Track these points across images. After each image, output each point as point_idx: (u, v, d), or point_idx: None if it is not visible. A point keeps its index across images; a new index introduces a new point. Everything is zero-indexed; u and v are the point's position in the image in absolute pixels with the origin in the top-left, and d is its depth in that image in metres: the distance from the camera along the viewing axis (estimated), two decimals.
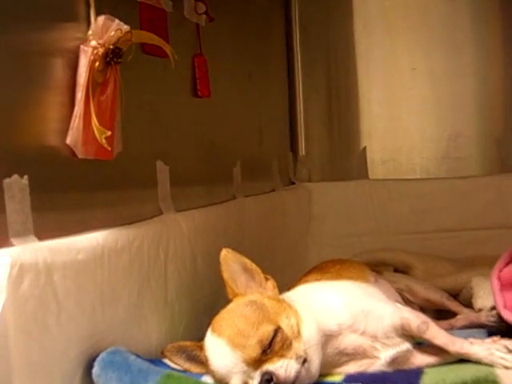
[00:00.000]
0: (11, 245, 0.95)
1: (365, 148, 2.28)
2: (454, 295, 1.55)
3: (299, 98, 2.36)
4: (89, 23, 1.12)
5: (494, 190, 2.06)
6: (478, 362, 1.13)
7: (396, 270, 1.70)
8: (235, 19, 1.89)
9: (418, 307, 1.44)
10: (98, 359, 1.04)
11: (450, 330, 1.31)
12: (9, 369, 0.90)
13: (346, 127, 2.36)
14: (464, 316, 1.43)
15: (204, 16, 1.63)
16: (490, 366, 1.12)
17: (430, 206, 2.11)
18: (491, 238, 1.96)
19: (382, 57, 2.27)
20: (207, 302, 1.38)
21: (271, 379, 0.98)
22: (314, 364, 1.06)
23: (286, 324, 1.05)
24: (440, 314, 1.48)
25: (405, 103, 2.24)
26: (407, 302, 1.44)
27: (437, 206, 2.10)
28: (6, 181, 0.95)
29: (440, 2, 2.20)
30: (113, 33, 1.09)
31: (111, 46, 1.10)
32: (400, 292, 1.46)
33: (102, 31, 1.09)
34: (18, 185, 0.97)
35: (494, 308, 1.31)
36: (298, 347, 1.04)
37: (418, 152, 2.23)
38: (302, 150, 2.37)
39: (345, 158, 2.34)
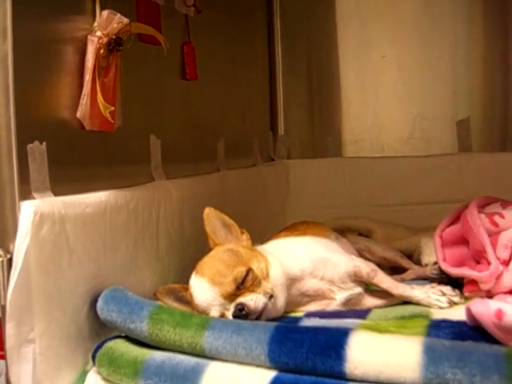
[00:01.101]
0: (33, 198, 1.10)
1: (339, 128, 2.39)
2: (409, 256, 1.70)
3: (279, 82, 2.45)
4: (94, 17, 1.28)
5: (454, 168, 2.16)
6: (417, 304, 1.35)
7: (360, 234, 1.83)
8: (220, 11, 1.97)
9: (376, 264, 1.64)
10: (102, 295, 1.20)
11: (401, 282, 1.50)
12: (30, 297, 1.07)
13: (321, 110, 2.45)
14: (413, 271, 1.59)
15: (192, 8, 1.74)
16: (428, 306, 1.34)
17: (395, 182, 2.20)
18: (449, 211, 1.98)
19: (355, 46, 2.35)
20: (192, 258, 1.43)
21: (243, 309, 1.19)
22: (280, 300, 1.27)
23: (256, 267, 1.26)
24: (395, 271, 1.62)
25: (375, 88, 2.32)
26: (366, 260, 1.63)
27: (402, 182, 2.19)
28: (29, 146, 1.11)
29: None
30: (115, 25, 1.25)
31: (113, 36, 1.26)
32: (360, 251, 1.62)
33: (105, 23, 1.25)
34: (38, 149, 1.13)
35: (436, 263, 1.49)
36: (266, 285, 1.25)
37: (386, 133, 2.32)
38: (281, 130, 2.47)
39: (320, 138, 2.43)
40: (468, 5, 2.24)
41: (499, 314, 1.03)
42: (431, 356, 0.94)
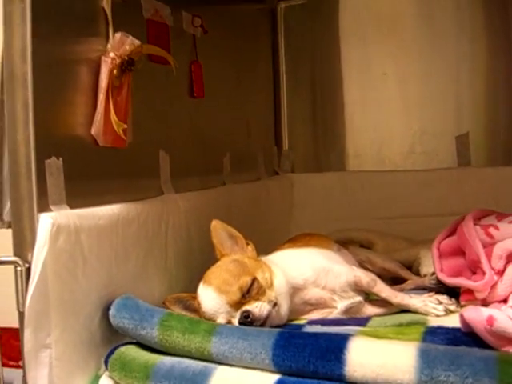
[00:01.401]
0: (50, 210, 1.16)
1: (341, 143, 2.42)
2: (408, 267, 1.75)
3: (283, 99, 2.49)
4: (108, 39, 1.34)
5: (452, 182, 2.17)
6: (415, 312, 1.40)
7: (361, 246, 1.89)
8: (226, 31, 2.03)
9: (376, 275, 1.69)
10: (114, 303, 1.25)
11: (400, 292, 1.54)
12: (47, 304, 1.12)
13: (324, 125, 2.48)
14: (412, 281, 1.64)
15: (200, 29, 1.80)
16: (425, 314, 1.39)
17: (396, 195, 2.22)
18: (448, 223, 2.02)
19: (357, 63, 2.39)
20: (199, 268, 1.46)
21: (248, 316, 1.25)
22: (283, 308, 1.33)
23: (261, 276, 1.32)
24: (395, 281, 1.67)
25: (376, 104, 2.35)
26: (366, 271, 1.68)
27: (402, 195, 2.22)
28: (47, 161, 1.17)
29: (408, 16, 2.32)
30: (127, 47, 1.31)
31: (126, 57, 1.32)
32: (361, 262, 1.67)
33: (118, 45, 1.32)
34: (55, 164, 1.19)
35: (434, 273, 1.54)
36: (270, 294, 1.31)
37: (387, 147, 2.36)
38: (286, 145, 2.50)
39: (323, 152, 2.47)
40: (470, 22, 2.27)
41: (491, 320, 1.08)
42: (426, 359, 1.00)
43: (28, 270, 1.12)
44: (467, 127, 2.27)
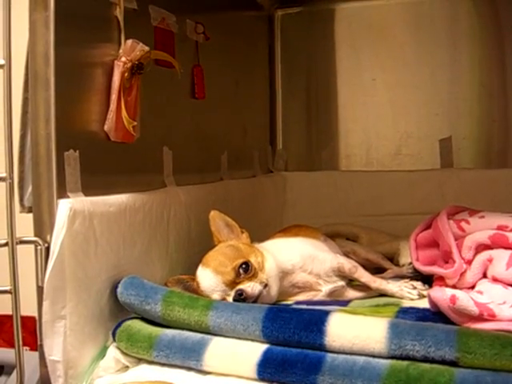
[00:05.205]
0: (68, 197, 1.27)
1: (333, 144, 2.53)
2: (390, 258, 1.88)
3: (279, 101, 2.58)
4: (120, 45, 1.43)
5: (436, 182, 2.29)
6: (392, 296, 1.54)
7: (347, 239, 1.99)
8: (226, 37, 2.11)
9: (360, 265, 1.80)
10: (121, 282, 1.36)
11: None
12: (63, 280, 1.24)
13: (317, 127, 2.58)
14: (392, 270, 1.77)
15: (202, 35, 1.89)
16: (401, 298, 1.53)
17: (383, 194, 2.33)
18: None
19: (348, 69, 2.50)
20: (197, 255, 1.56)
21: (242, 294, 1.39)
22: (273, 290, 1.47)
23: (254, 260, 1.45)
24: (377, 271, 1.79)
25: (366, 108, 2.45)
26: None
27: (389, 194, 2.32)
28: (66, 153, 1.28)
29: (396, 26, 2.44)
30: (138, 52, 1.42)
31: (136, 62, 1.42)
32: (347, 253, 1.78)
33: (129, 51, 1.42)
34: (72, 156, 1.29)
35: (411, 263, 1.68)
36: (261, 276, 1.44)
37: (375, 149, 2.47)
38: (280, 144, 2.60)
39: (316, 152, 2.56)
40: (451, 33, 2.39)
41: (453, 298, 1.22)
42: (395, 331, 1.14)
43: (47, 250, 1.24)
44: (450, 131, 2.38)
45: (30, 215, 1.30)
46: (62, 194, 1.27)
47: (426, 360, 1.10)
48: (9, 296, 1.23)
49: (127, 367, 1.31)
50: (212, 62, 1.98)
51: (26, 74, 1.27)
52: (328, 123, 2.57)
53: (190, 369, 1.25)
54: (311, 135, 2.62)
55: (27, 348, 2.20)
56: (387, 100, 2.47)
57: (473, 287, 1.46)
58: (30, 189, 1.30)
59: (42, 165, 1.26)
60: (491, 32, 2.36)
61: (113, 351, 1.34)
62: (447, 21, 2.38)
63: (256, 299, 1.40)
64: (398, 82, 2.45)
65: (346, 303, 1.51)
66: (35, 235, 1.26)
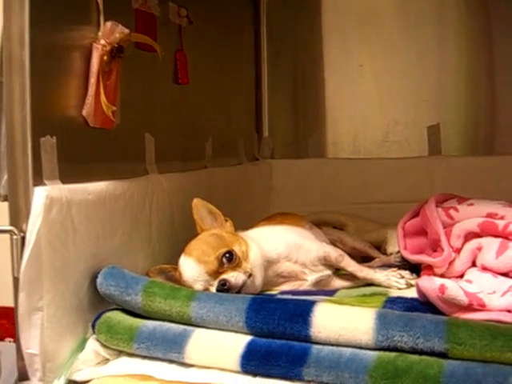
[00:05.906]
0: (44, 184, 1.22)
1: (319, 131, 2.52)
2: (377, 247, 1.86)
3: (264, 87, 2.56)
4: (99, 27, 1.39)
5: (424, 170, 2.29)
6: (379, 285, 1.52)
7: (334, 227, 1.98)
8: (211, 21, 2.08)
9: (347, 254, 1.78)
10: (101, 272, 1.33)
11: None
12: (40, 270, 1.19)
13: (304, 114, 2.57)
14: (379, 259, 1.75)
15: (185, 19, 1.86)
16: (388, 287, 1.51)
17: (370, 181, 2.32)
18: None
19: (335, 55, 2.48)
20: (180, 245, 1.53)
21: (225, 284, 1.36)
22: (258, 279, 1.44)
23: (237, 249, 1.42)
24: (365, 260, 1.78)
25: (353, 95, 2.44)
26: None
27: (376, 182, 2.31)
28: (42, 139, 1.23)
29: (385, 11, 2.42)
30: (117, 35, 1.38)
31: (115, 45, 1.38)
32: (333, 242, 1.76)
33: (109, 33, 1.38)
34: (49, 142, 1.25)
35: (399, 251, 1.65)
36: (246, 266, 1.41)
37: (362, 136, 2.46)
38: (266, 132, 2.58)
39: (302, 140, 2.55)
40: (439, 20, 2.38)
41: (442, 288, 1.20)
42: (382, 322, 1.11)
43: (23, 239, 1.19)
44: (438, 118, 2.37)
45: (6, 204, 1.25)
46: (39, 181, 1.23)
47: (414, 351, 1.07)
48: None
49: (107, 360, 1.28)
50: (196, 46, 1.95)
51: (0, 57, 1.23)
52: (315, 110, 2.56)
53: (171, 361, 1.22)
54: (298, 122, 2.61)
55: (11, 340, 2.16)
56: (374, 86, 2.46)
57: (461, 276, 1.45)
58: (5, 177, 1.26)
59: (17, 151, 1.21)
60: (479, 19, 2.36)
61: (92, 343, 1.30)
62: (435, 7, 2.37)
63: (240, 289, 1.37)
64: (385, 68, 2.45)
65: (332, 293, 1.48)
66: (11, 224, 1.22)
